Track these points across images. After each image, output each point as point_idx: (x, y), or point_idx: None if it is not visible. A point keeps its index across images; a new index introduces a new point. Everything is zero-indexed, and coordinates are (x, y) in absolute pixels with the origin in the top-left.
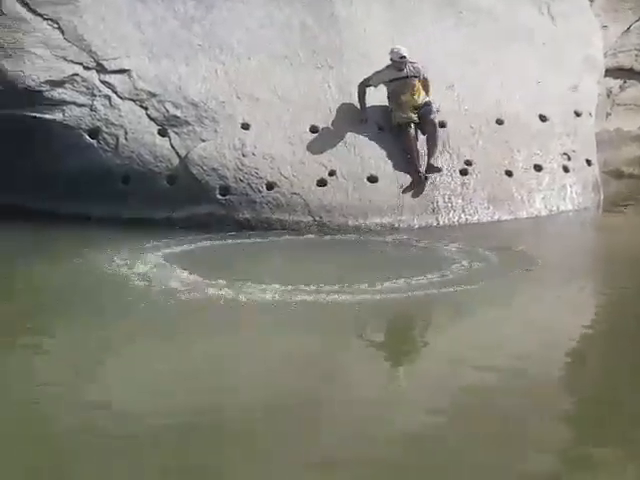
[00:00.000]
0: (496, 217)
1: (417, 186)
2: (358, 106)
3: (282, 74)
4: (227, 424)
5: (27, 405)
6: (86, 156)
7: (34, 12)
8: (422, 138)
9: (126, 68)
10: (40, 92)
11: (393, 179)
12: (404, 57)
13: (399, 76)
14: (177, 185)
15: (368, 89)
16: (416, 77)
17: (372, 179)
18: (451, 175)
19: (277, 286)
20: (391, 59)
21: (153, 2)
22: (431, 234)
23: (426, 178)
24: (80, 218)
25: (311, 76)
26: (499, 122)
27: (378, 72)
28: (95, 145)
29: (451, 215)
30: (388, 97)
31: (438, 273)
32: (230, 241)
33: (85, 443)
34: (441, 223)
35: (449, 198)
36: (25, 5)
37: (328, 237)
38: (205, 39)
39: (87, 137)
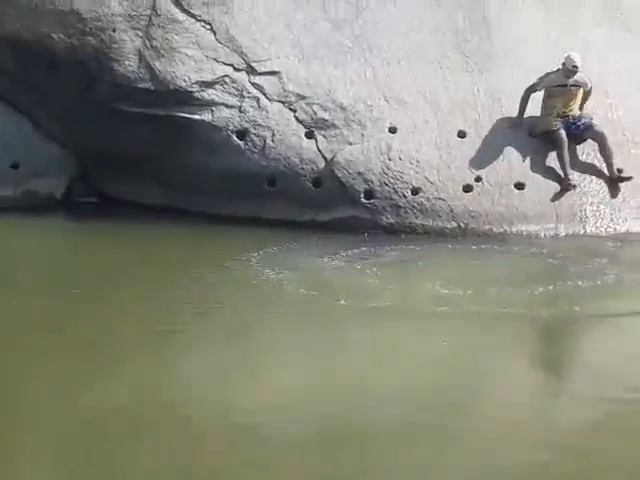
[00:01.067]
0: None
1: (564, 193)
2: (517, 110)
3: (431, 78)
4: None
5: None
6: (233, 157)
7: (187, 13)
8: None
9: (276, 70)
10: (190, 93)
11: (540, 186)
12: (576, 67)
13: (565, 83)
14: (322, 188)
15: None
16: (580, 87)
17: (519, 186)
18: (600, 183)
19: None
20: (563, 64)
21: (305, 3)
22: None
23: (574, 186)
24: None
25: (461, 80)
26: None
27: (546, 75)
28: (242, 146)
29: (599, 224)
30: (543, 101)
31: None
32: (416, 248)
33: None
34: (588, 232)
35: (597, 206)
36: (179, 6)
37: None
38: (355, 42)
39: (235, 138)
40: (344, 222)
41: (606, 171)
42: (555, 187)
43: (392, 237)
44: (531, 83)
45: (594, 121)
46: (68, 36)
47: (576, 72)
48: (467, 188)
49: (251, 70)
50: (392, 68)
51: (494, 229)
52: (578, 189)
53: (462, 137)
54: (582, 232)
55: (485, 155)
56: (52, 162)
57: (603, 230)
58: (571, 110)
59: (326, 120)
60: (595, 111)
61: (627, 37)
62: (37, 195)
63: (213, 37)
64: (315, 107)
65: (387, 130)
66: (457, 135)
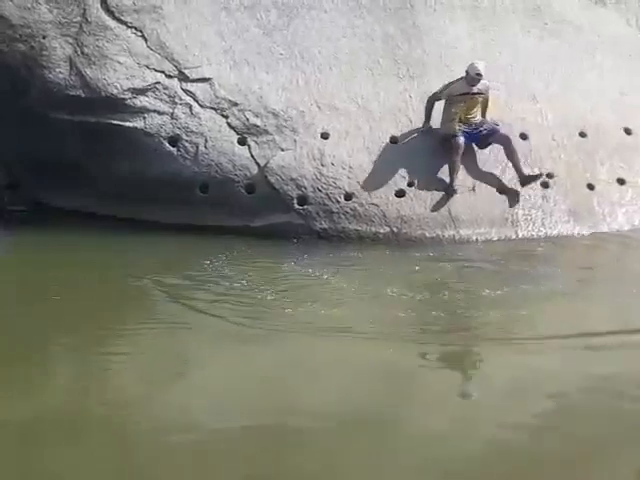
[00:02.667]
0: (576, 231)
1: (448, 199)
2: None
3: (363, 84)
4: None
5: None
6: (166, 164)
7: (118, 20)
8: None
9: (207, 76)
10: (122, 100)
11: (473, 191)
12: (480, 75)
13: (467, 91)
14: (256, 194)
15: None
16: (482, 94)
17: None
18: (532, 188)
19: None
20: (467, 72)
21: (236, 10)
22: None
23: (455, 192)
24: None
25: (392, 86)
26: (582, 135)
27: (449, 84)
28: (175, 153)
29: (530, 228)
30: (444, 108)
31: None
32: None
33: None
34: (520, 236)
35: (529, 211)
36: (110, 13)
37: None
38: (287, 48)
39: (167, 145)
40: (278, 228)
41: (519, 172)
42: (492, 192)
43: (324, 243)
44: (434, 92)
45: (499, 126)
46: None
47: (480, 80)
48: (400, 193)
49: (183, 77)
50: (324, 74)
51: (427, 234)
52: (511, 194)
53: (394, 142)
54: (514, 236)
55: (417, 160)
56: None
57: (535, 234)
58: (474, 117)
59: (258, 126)
60: (525, 116)
61: (555, 43)
62: None
63: (144, 44)
64: (247, 113)
65: (319, 136)
66: (389, 140)
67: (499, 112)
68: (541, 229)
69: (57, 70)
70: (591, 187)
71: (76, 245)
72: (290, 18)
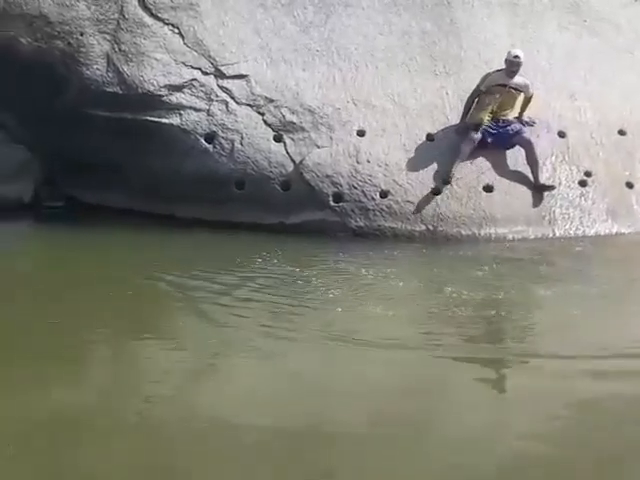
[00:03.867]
0: (615, 230)
1: (441, 190)
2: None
3: (399, 81)
4: None
5: None
6: (201, 160)
7: (155, 17)
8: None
9: (244, 73)
10: (159, 96)
11: (509, 189)
12: (517, 57)
13: (505, 83)
14: (291, 191)
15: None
16: (520, 92)
17: (487, 188)
18: (569, 186)
19: None
20: (506, 59)
21: (273, 7)
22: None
23: (450, 181)
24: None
25: (429, 83)
26: (621, 133)
27: (487, 75)
28: (211, 150)
29: (568, 227)
30: (479, 97)
31: None
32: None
33: None
34: (557, 235)
35: (566, 209)
36: (147, 10)
37: None
38: (323, 45)
39: (203, 142)
40: (313, 225)
41: (535, 178)
42: (524, 190)
43: (359, 240)
44: (474, 88)
45: (524, 128)
46: (36, 40)
47: (518, 64)
48: (436, 191)
49: (219, 74)
50: (360, 71)
51: (462, 232)
52: (547, 192)
53: (430, 140)
54: (551, 235)
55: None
56: (20, 166)
57: (572, 232)
58: (505, 114)
59: (294, 123)
60: (563, 114)
61: (593, 41)
62: (5, 199)
63: (181, 41)
64: (283, 110)
65: (355, 133)
66: (426, 138)
67: (537, 109)
68: (579, 228)
69: (94, 67)
70: (630, 185)
71: (109, 242)
72: (327, 15)
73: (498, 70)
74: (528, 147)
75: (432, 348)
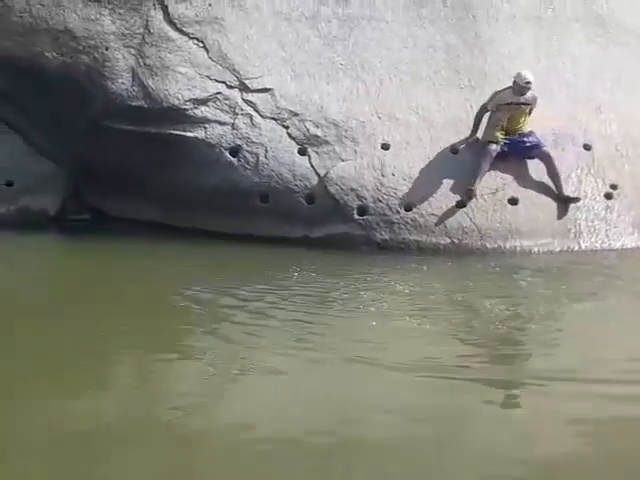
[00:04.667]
0: None
1: (466, 203)
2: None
3: (424, 94)
4: None
5: None
6: (226, 174)
7: (180, 31)
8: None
9: (268, 87)
10: (183, 110)
11: (534, 202)
12: (529, 83)
13: (517, 101)
14: (315, 204)
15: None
16: (529, 105)
17: (512, 201)
18: (595, 198)
19: None
20: (515, 82)
21: (297, 21)
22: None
23: (475, 196)
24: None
25: (453, 96)
26: None
27: (496, 93)
28: (235, 163)
29: (593, 239)
30: (490, 115)
31: None
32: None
33: None
34: (582, 247)
35: (592, 222)
36: (172, 24)
37: None
38: (347, 58)
39: (228, 155)
40: (337, 238)
41: (559, 190)
42: (549, 202)
43: (384, 253)
44: (482, 103)
45: (542, 141)
46: (61, 54)
47: (529, 89)
48: (460, 204)
49: (244, 87)
50: (384, 85)
51: (488, 245)
52: (572, 205)
53: (455, 153)
54: (577, 248)
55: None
56: (45, 179)
57: (598, 245)
58: (520, 127)
59: (319, 137)
60: (589, 126)
61: (618, 52)
62: (30, 212)
63: (206, 55)
64: (308, 124)
65: (380, 146)
66: (450, 151)
67: (563, 122)
68: (605, 241)
69: (119, 81)
70: None
71: (134, 255)
72: (351, 29)
73: (507, 88)
74: (547, 160)
75: (462, 371)
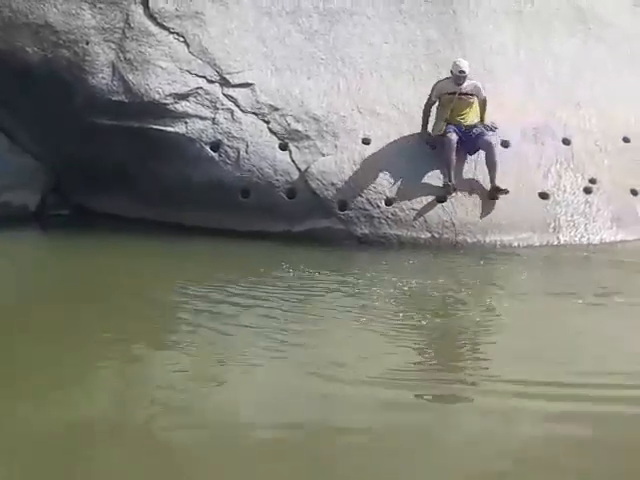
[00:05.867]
0: (619, 237)
1: (447, 198)
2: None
3: (404, 89)
4: None
5: None
6: (207, 169)
7: (161, 26)
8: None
9: (249, 82)
10: (164, 105)
11: (513, 196)
12: (463, 72)
13: (454, 90)
14: (296, 199)
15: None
16: (472, 95)
17: (492, 196)
18: (574, 193)
19: None
20: (451, 71)
21: (278, 15)
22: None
23: (455, 190)
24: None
25: None
26: (626, 140)
27: (437, 83)
28: (216, 158)
29: (573, 234)
30: (437, 108)
31: None
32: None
33: None
34: (562, 242)
35: (572, 216)
36: (152, 19)
37: None
38: (328, 53)
39: (209, 150)
40: (318, 233)
41: (491, 180)
42: (529, 197)
43: (365, 248)
44: (426, 99)
45: (486, 130)
46: (42, 49)
47: (463, 77)
48: (440, 198)
49: (224, 82)
50: (365, 79)
51: (468, 239)
52: (552, 199)
53: (434, 148)
54: (556, 242)
55: (459, 165)
56: (26, 174)
57: (577, 240)
58: (464, 119)
59: (299, 131)
60: (568, 121)
61: (599, 48)
62: (11, 207)
63: (186, 49)
64: (288, 118)
65: (361, 141)
66: (429, 146)
67: (542, 117)
68: (584, 235)
69: (100, 75)
70: (635, 193)
71: (116, 250)
72: (332, 23)
73: (447, 78)
74: (488, 149)
75: None
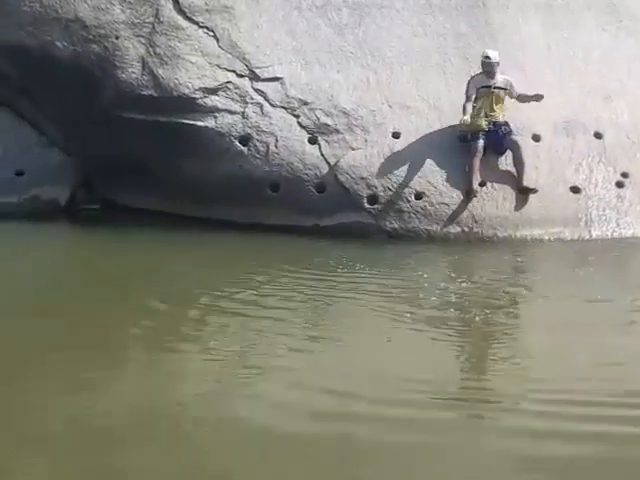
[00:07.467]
0: None
1: (467, 202)
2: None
3: (434, 82)
4: None
5: None
6: (236, 163)
7: (190, 20)
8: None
9: (278, 76)
10: (193, 99)
11: (545, 190)
12: (488, 57)
13: (488, 84)
14: (326, 193)
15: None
16: (504, 89)
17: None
18: (606, 187)
19: None
20: (481, 63)
21: (308, 10)
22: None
23: (476, 195)
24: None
25: (464, 84)
26: None
27: (472, 78)
28: (246, 152)
29: (605, 228)
30: (474, 103)
31: None
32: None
33: None
34: (593, 236)
35: (603, 210)
36: (182, 13)
37: None
38: (358, 47)
39: (238, 144)
40: (348, 227)
41: (519, 180)
42: (560, 191)
43: (394, 242)
44: (465, 94)
45: (513, 129)
46: (72, 44)
47: (491, 65)
48: (471, 192)
49: (254, 76)
50: (395, 73)
51: (499, 234)
52: (583, 193)
53: (464, 141)
54: (587, 237)
55: (489, 159)
56: (56, 169)
57: (609, 234)
58: (495, 115)
59: (329, 125)
60: (600, 115)
61: (630, 42)
62: (41, 202)
63: (216, 44)
64: (318, 112)
65: (390, 135)
66: (460, 140)
67: (573, 110)
68: (615, 229)
69: (129, 70)
70: None
71: (145, 245)
72: (361, 17)
73: (480, 73)
74: (516, 149)
75: None
